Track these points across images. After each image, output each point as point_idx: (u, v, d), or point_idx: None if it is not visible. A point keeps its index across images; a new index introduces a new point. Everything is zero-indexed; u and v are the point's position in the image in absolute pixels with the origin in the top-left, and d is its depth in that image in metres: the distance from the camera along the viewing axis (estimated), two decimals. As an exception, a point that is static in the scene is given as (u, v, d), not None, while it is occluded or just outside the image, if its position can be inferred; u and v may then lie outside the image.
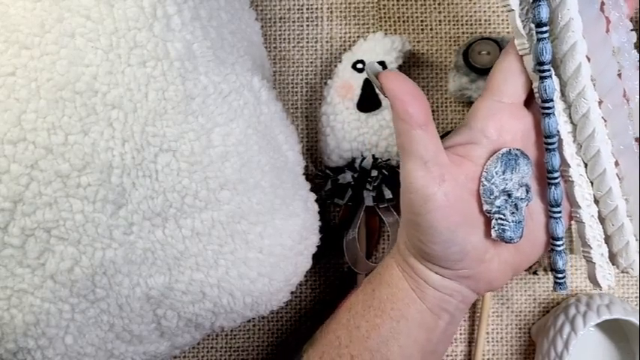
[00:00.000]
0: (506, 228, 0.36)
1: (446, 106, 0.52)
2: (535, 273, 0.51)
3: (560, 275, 0.38)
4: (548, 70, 0.34)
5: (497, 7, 0.51)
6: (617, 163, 0.37)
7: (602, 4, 0.35)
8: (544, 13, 0.34)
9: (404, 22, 0.51)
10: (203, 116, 0.37)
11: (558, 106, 0.36)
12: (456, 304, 0.38)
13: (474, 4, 0.51)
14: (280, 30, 0.51)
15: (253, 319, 0.51)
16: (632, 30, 0.36)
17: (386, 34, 0.49)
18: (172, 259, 0.38)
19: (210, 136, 0.37)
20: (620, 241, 0.37)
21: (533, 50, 0.35)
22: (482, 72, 0.47)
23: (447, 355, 0.51)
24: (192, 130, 0.36)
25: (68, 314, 0.37)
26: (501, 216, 0.36)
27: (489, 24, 0.51)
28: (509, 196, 0.36)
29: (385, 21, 0.51)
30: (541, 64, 0.34)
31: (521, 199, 0.36)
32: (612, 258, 0.38)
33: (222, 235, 0.38)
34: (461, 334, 0.51)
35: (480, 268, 0.37)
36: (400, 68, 0.49)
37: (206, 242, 0.38)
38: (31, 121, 0.34)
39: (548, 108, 0.35)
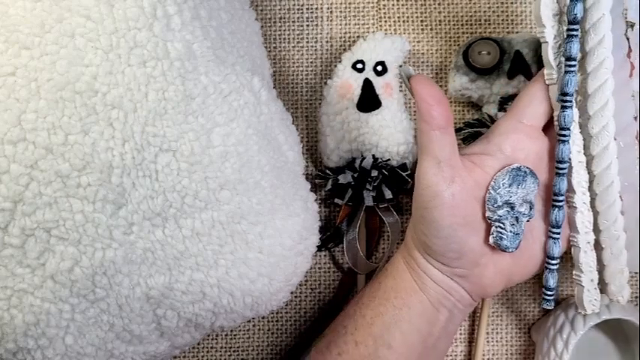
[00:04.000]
0: (504, 237, 0.38)
1: (446, 106, 0.52)
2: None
3: (549, 293, 0.40)
4: (570, 101, 0.37)
5: (498, 7, 0.51)
6: (620, 198, 0.39)
7: (630, 50, 0.39)
8: (575, 49, 0.37)
9: (404, 22, 0.51)
10: (203, 116, 0.37)
11: (575, 136, 0.39)
12: (454, 302, 0.41)
13: (474, 4, 0.51)
14: (280, 30, 0.51)
15: (253, 319, 0.51)
16: None
17: (386, 34, 0.49)
18: (172, 259, 0.38)
19: (210, 136, 0.37)
20: (616, 271, 0.40)
21: (559, 81, 0.38)
22: (483, 72, 0.47)
23: (447, 355, 0.51)
24: (192, 130, 0.36)
25: (68, 314, 0.37)
26: (501, 225, 0.38)
27: (489, 24, 0.51)
28: (512, 208, 0.39)
29: (385, 21, 0.51)
30: (565, 94, 0.38)
31: (524, 214, 0.39)
32: (605, 286, 0.40)
33: (222, 235, 0.38)
34: (461, 334, 0.51)
35: (475, 270, 0.39)
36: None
37: (206, 242, 0.38)
38: (31, 121, 0.34)
39: (565, 135, 0.38)
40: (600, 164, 0.39)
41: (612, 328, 0.49)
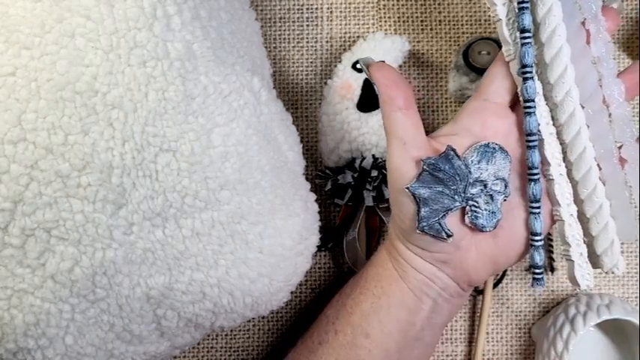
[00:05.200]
0: (479, 215, 0.38)
1: (446, 106, 0.52)
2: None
3: (537, 271, 0.39)
4: (530, 72, 0.37)
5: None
6: (598, 167, 0.39)
7: (584, 18, 0.38)
8: (527, 21, 0.37)
9: (404, 22, 0.51)
10: (203, 116, 0.37)
11: (541, 109, 0.39)
12: (438, 290, 0.40)
13: (474, 4, 0.51)
14: (280, 30, 0.51)
15: (253, 319, 0.51)
16: (609, 42, 0.39)
17: (386, 34, 0.49)
18: (172, 259, 0.38)
19: (210, 136, 0.37)
20: (606, 241, 0.39)
21: (517, 55, 0.38)
22: (482, 72, 0.47)
23: (447, 355, 0.51)
24: (193, 130, 0.36)
25: (68, 314, 0.37)
26: (475, 203, 0.38)
27: (489, 24, 0.51)
28: (485, 186, 0.38)
29: (385, 21, 0.51)
30: (524, 66, 0.37)
31: (498, 192, 0.38)
32: (597, 259, 0.39)
33: (222, 235, 0.38)
34: (461, 334, 0.51)
35: (456, 254, 0.39)
36: (400, 68, 0.49)
37: (206, 242, 0.38)
38: (31, 121, 0.34)
39: (530, 107, 0.38)
40: (570, 131, 0.38)
41: (612, 328, 0.49)
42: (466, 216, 0.38)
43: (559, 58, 0.37)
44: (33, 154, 0.34)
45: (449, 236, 0.37)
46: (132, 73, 0.35)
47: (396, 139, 0.37)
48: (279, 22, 0.51)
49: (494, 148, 0.38)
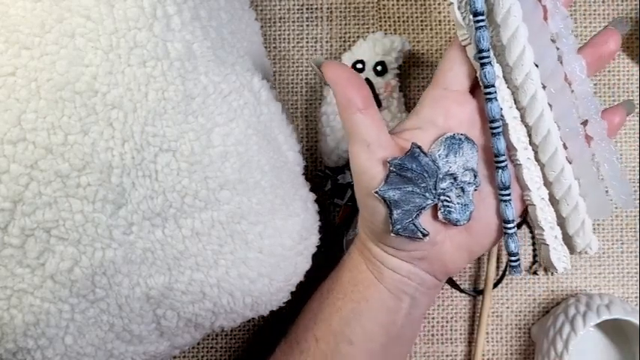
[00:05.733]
0: (452, 210, 0.37)
1: (446, 106, 0.52)
2: (535, 273, 0.51)
3: (513, 259, 0.38)
4: (488, 57, 0.36)
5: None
6: (565, 147, 0.38)
7: None
8: (479, 3, 0.35)
9: (404, 22, 0.51)
10: (203, 116, 0.37)
11: (503, 92, 0.37)
12: (415, 286, 0.39)
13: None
14: (280, 30, 0.51)
15: (253, 319, 0.51)
16: (567, 17, 0.37)
17: (386, 34, 0.49)
18: (172, 259, 0.38)
19: (210, 136, 0.37)
20: (576, 221, 0.38)
21: (473, 40, 0.36)
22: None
23: (447, 355, 0.51)
24: (192, 130, 0.36)
25: (68, 314, 0.37)
26: (447, 198, 0.37)
27: (489, 24, 0.51)
28: (455, 179, 0.37)
29: (385, 21, 0.51)
30: (480, 51, 0.36)
31: (468, 183, 0.37)
32: (569, 240, 0.39)
33: (222, 235, 0.38)
34: (461, 334, 0.51)
35: (432, 249, 0.38)
36: (400, 68, 0.49)
37: (206, 242, 0.38)
38: (31, 121, 0.34)
39: (490, 93, 0.36)
40: (532, 114, 0.37)
41: (612, 328, 0.49)
42: (439, 212, 0.37)
43: (516, 40, 0.36)
44: (33, 154, 0.34)
45: (425, 235, 0.36)
46: (132, 73, 0.35)
47: (358, 141, 0.36)
48: (279, 22, 0.51)
49: (460, 139, 0.37)
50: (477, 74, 0.37)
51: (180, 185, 0.37)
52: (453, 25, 0.51)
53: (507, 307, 0.51)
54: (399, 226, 0.36)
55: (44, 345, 0.37)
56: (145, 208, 0.36)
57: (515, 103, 0.38)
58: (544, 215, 0.38)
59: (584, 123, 0.38)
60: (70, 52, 0.34)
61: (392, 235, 0.36)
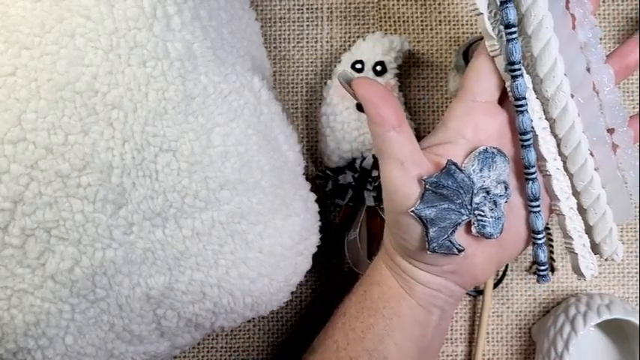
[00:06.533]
0: (486, 224, 0.37)
1: (446, 106, 0.52)
2: (535, 273, 0.51)
3: (542, 268, 0.39)
4: (519, 70, 0.36)
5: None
6: (591, 154, 0.38)
7: (567, 2, 0.37)
8: (512, 15, 0.35)
9: (404, 22, 0.51)
10: (203, 116, 0.37)
11: (532, 103, 0.37)
12: (445, 298, 0.39)
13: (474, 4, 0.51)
14: (280, 30, 0.51)
15: (253, 319, 0.51)
16: (596, 26, 0.37)
17: (386, 34, 0.49)
18: (172, 259, 0.38)
19: (210, 136, 0.37)
20: (604, 229, 0.38)
21: (503, 51, 0.36)
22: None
23: (447, 355, 0.51)
24: (193, 130, 0.36)
25: (68, 314, 0.37)
26: (481, 212, 0.36)
27: (489, 24, 0.51)
28: (488, 193, 0.37)
29: (385, 21, 0.51)
30: (512, 63, 0.35)
31: (500, 195, 0.37)
32: (596, 247, 0.39)
33: (222, 235, 0.38)
34: (461, 334, 0.51)
35: (464, 263, 0.38)
36: (400, 68, 0.49)
37: (206, 242, 0.38)
38: (31, 121, 0.34)
39: (522, 105, 0.36)
40: (563, 126, 0.37)
41: (612, 328, 0.49)
42: (473, 227, 0.37)
43: (548, 52, 0.36)
44: (33, 154, 0.34)
45: (460, 251, 0.36)
46: (132, 73, 0.35)
47: (392, 159, 0.36)
48: (279, 22, 0.51)
49: (493, 153, 0.37)
50: (507, 85, 0.37)
51: (180, 185, 0.37)
52: (454, 25, 0.51)
53: (508, 307, 0.51)
54: (435, 244, 0.36)
55: (44, 345, 0.36)
56: (146, 208, 0.36)
57: (545, 113, 0.38)
58: (573, 225, 0.38)
59: (610, 130, 0.38)
60: (70, 52, 0.34)
61: (428, 252, 0.36)
